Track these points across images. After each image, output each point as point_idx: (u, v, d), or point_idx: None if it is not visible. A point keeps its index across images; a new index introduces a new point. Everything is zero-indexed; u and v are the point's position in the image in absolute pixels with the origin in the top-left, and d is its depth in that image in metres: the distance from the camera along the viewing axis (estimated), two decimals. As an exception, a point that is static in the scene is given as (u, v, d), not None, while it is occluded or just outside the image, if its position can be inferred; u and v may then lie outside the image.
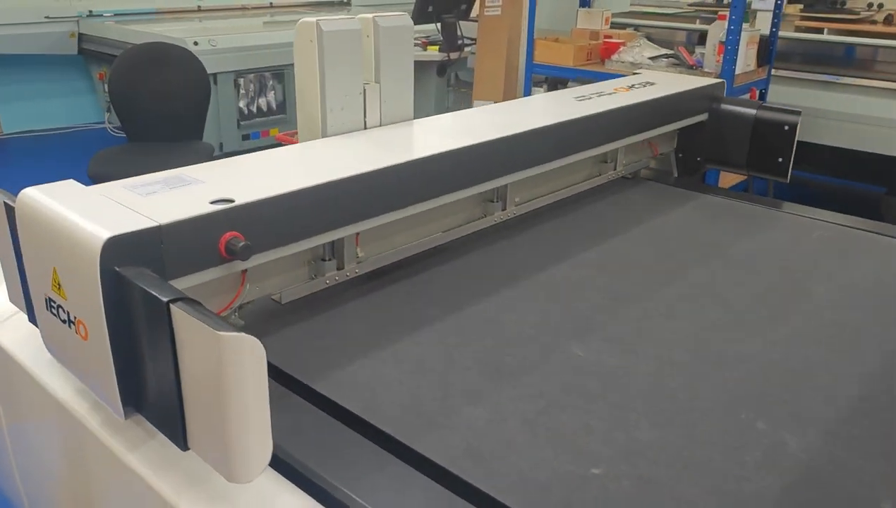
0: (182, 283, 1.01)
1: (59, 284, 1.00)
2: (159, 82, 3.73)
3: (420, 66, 4.35)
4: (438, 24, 4.07)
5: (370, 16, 1.47)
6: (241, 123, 5.49)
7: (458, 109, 5.32)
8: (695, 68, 3.26)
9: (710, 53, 3.16)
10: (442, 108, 4.54)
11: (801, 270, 1.56)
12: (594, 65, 3.53)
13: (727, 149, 2.10)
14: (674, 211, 1.88)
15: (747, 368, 1.19)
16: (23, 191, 1.05)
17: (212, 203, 1.05)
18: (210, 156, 3.54)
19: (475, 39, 4.12)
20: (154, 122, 3.73)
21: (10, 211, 1.13)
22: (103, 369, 0.97)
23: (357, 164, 1.26)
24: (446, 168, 1.39)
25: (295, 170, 1.26)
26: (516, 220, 1.71)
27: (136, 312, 0.90)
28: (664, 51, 3.41)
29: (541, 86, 3.65)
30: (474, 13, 4.40)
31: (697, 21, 5.91)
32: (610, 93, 1.89)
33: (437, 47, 4.20)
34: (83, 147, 6.25)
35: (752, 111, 2.03)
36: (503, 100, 3.71)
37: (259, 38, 5.52)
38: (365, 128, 1.50)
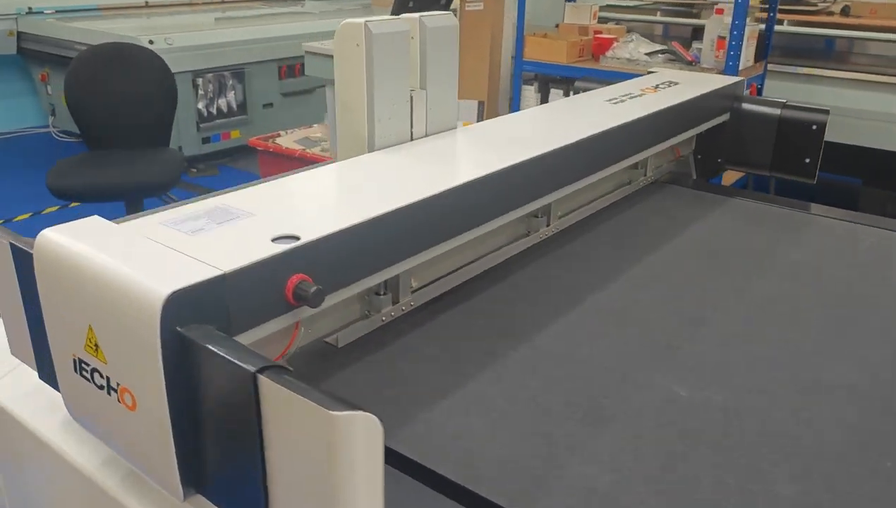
0: (246, 339, 0.86)
1: (95, 345, 0.84)
2: (121, 85, 3.48)
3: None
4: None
5: (416, 16, 1.33)
6: (201, 126, 5.23)
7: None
8: (694, 64, 3.20)
9: (707, 49, 3.10)
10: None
11: (863, 280, 1.49)
12: (587, 61, 3.44)
13: (750, 150, 2.03)
14: (708, 217, 1.79)
15: (859, 399, 1.10)
16: (42, 233, 0.88)
17: (274, 241, 0.90)
18: (181, 165, 3.31)
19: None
20: (116, 129, 3.48)
21: (19, 254, 0.96)
22: (157, 445, 0.81)
23: (425, 186, 1.12)
24: (512, 184, 1.27)
25: (354, 194, 1.11)
26: (556, 234, 1.60)
27: (208, 382, 0.75)
28: (659, 46, 3.34)
29: (531, 84, 3.54)
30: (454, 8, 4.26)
31: (658, 13, 5.91)
32: (640, 95, 1.80)
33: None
34: (28, 153, 5.88)
35: (777, 111, 1.96)
36: (487, 98, 3.59)
37: (217, 36, 5.28)
38: (411, 138, 1.37)
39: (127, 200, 3.31)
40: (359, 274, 1.00)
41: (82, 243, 0.85)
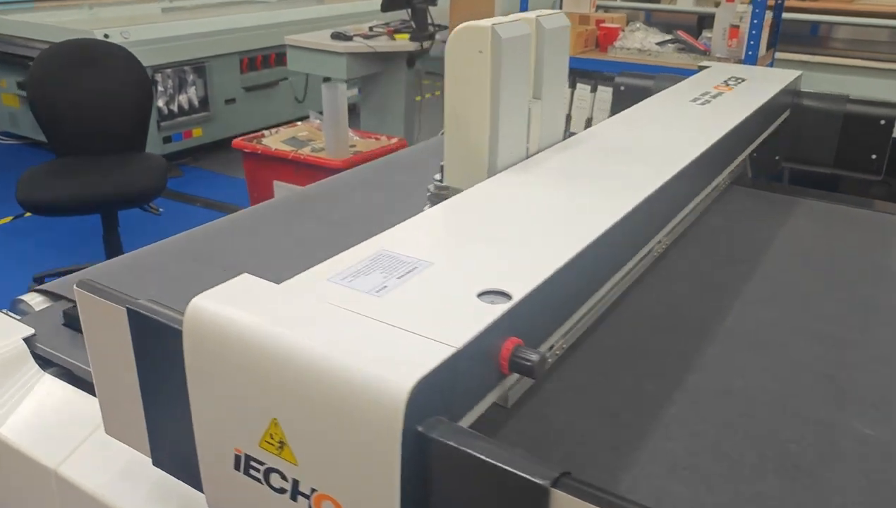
0: (463, 424, 0.71)
1: (280, 443, 0.67)
2: (91, 85, 3.18)
3: (388, 58, 3.97)
4: (409, 11, 3.73)
5: (532, 15, 1.17)
6: (162, 124, 4.91)
7: (431, 105, 4.88)
8: (707, 53, 3.13)
9: (718, 37, 3.03)
10: (413, 104, 4.19)
11: None
12: (592, 52, 3.32)
13: (811, 147, 1.95)
14: (789, 222, 1.70)
15: None
16: (194, 303, 0.70)
17: (480, 298, 0.74)
18: (165, 171, 3.05)
19: (447, 26, 3.81)
20: (87, 133, 3.18)
21: (142, 323, 0.77)
22: (372, 565, 0.65)
23: (596, 214, 0.97)
24: (666, 200, 1.14)
25: (529, 229, 0.94)
26: None
27: (464, 493, 0.60)
28: (668, 35, 3.25)
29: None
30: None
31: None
32: (719, 94, 1.69)
33: (406, 35, 3.84)
34: (-32, 159, 5.42)
35: (842, 106, 1.89)
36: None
37: (176, 28, 4.94)
38: (527, 156, 1.21)
39: (105, 212, 3.03)
40: (555, 325, 0.85)
41: (257, 316, 0.67)
